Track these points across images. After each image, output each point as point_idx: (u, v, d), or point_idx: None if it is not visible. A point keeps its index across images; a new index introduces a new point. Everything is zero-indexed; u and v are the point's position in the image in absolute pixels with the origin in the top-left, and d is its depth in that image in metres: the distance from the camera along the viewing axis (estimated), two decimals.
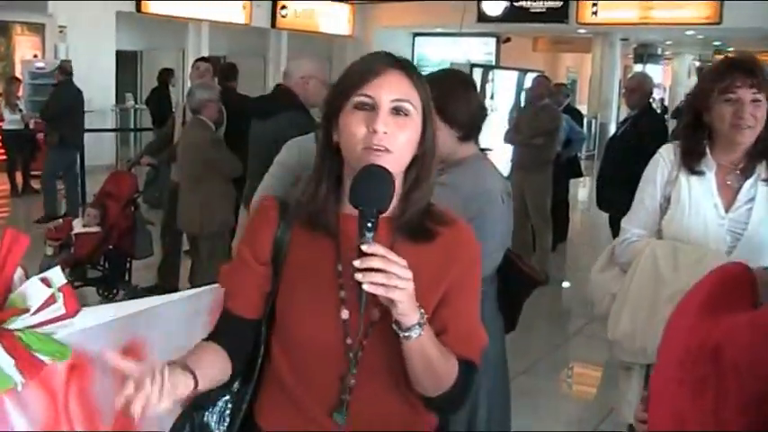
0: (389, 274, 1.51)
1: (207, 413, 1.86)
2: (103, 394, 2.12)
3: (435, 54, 21.48)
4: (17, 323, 1.81)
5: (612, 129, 19.43)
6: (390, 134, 1.64)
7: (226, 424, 1.88)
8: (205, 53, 18.41)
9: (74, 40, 14.69)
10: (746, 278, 2.12)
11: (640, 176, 7.51)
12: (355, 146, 1.66)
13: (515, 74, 15.71)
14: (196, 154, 5.91)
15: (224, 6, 17.85)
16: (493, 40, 21.56)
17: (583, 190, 15.27)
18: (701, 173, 2.77)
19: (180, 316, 2.36)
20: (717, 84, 2.67)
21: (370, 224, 1.55)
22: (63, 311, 1.85)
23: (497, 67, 18.48)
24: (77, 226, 6.75)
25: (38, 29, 15.43)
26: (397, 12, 20.24)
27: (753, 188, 2.75)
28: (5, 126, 12.65)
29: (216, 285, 2.47)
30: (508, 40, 21.76)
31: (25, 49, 15.51)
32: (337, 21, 21.04)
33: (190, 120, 6.24)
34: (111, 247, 6.81)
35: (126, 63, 17.85)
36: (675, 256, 2.70)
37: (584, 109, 17.90)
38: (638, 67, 23.90)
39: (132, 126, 17.07)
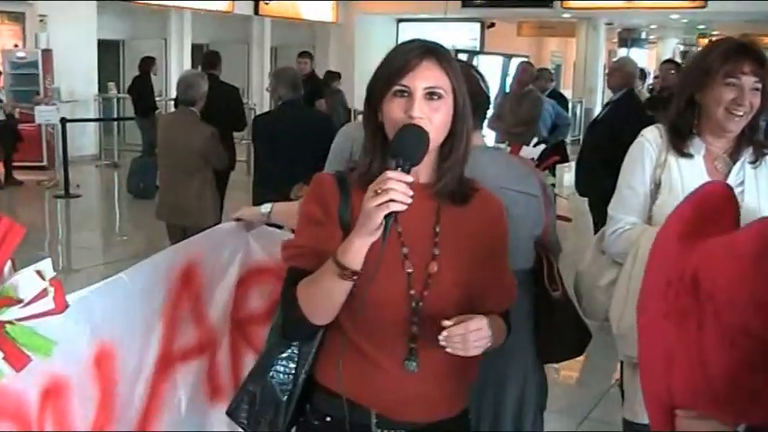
0: (467, 342, 1.83)
1: (270, 377, 2.10)
2: (83, 414, 2.09)
3: None
4: (7, 314, 1.76)
5: (597, 113, 19.49)
6: (425, 118, 1.88)
7: (289, 387, 2.10)
8: (188, 41, 18.36)
9: (55, 29, 14.54)
10: (726, 197, 2.01)
11: (618, 161, 7.47)
12: (395, 128, 1.88)
13: (500, 59, 15.72)
14: (193, 146, 5.82)
15: None
16: (477, 26, 21.52)
17: (568, 175, 15.24)
18: (689, 155, 2.68)
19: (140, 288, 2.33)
20: (722, 65, 2.55)
21: (399, 170, 1.78)
22: (52, 306, 1.80)
23: (482, 52, 18.50)
24: None
25: (18, 18, 15.24)
26: None
27: (741, 171, 2.68)
28: None
29: (172, 248, 2.59)
30: (492, 25, 21.72)
31: (6, 38, 15.28)
32: (321, 7, 20.93)
33: (181, 111, 6.13)
34: None
35: (108, 52, 17.71)
36: None
37: (568, 94, 17.89)
38: (622, 51, 23.92)
39: (115, 115, 16.94)
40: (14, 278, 1.77)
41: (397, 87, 1.90)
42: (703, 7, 17.20)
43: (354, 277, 1.83)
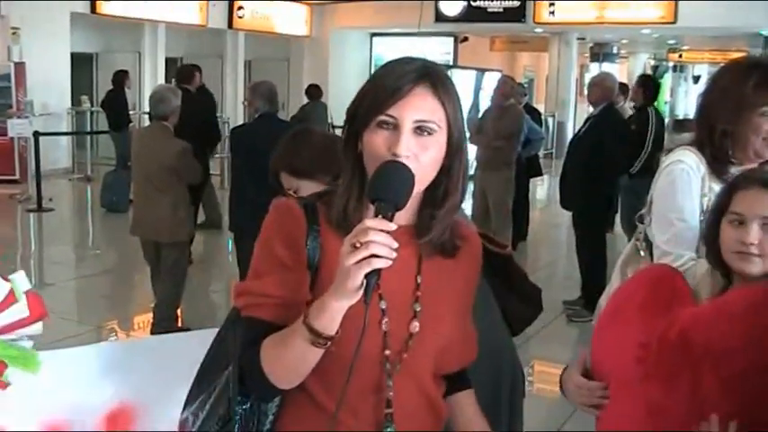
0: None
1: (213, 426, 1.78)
2: None
3: (393, 54, 21.28)
4: None
5: (570, 127, 19.62)
6: (412, 156, 1.61)
7: None
8: (161, 55, 18.29)
9: (27, 41, 14.45)
10: (678, 279, 2.16)
11: (600, 175, 7.50)
12: (376, 165, 1.62)
13: (473, 73, 15.75)
14: (166, 161, 5.81)
15: (180, 7, 17.69)
16: (450, 40, 21.61)
17: (541, 188, 15.37)
18: None
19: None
20: (760, 98, 2.48)
21: (381, 216, 1.52)
22: (27, 314, 1.76)
23: (455, 66, 18.53)
24: None
25: None
26: (355, 12, 20.22)
27: None
28: None
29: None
30: (465, 39, 21.83)
31: None
32: (294, 21, 20.97)
33: (154, 125, 6.13)
34: None
35: (81, 65, 17.63)
36: None
37: (541, 108, 18.04)
38: (594, 66, 24.11)
39: (88, 129, 16.84)
40: None
41: (383, 117, 1.62)
42: (673, 23, 17.39)
43: (328, 344, 1.57)
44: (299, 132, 3.00)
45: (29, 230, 11.07)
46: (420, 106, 1.63)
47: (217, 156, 12.47)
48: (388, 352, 1.69)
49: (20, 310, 1.75)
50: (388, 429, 1.70)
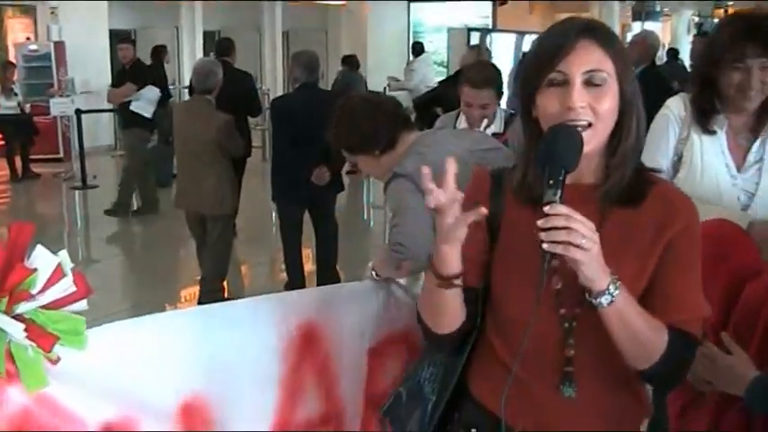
0: (572, 232, 1.49)
1: (422, 376, 2.05)
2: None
3: (431, 19, 21.31)
4: (25, 306, 1.71)
5: None
6: (587, 107, 1.63)
7: (437, 389, 2.02)
8: (199, 29, 18.31)
9: (66, 20, 14.53)
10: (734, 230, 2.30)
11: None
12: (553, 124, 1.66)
13: (513, 37, 15.57)
14: (209, 135, 5.78)
15: None
16: (489, 3, 21.34)
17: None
18: (713, 132, 2.70)
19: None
20: (726, 52, 2.58)
21: (552, 182, 1.55)
22: (74, 289, 1.75)
23: (494, 30, 18.35)
24: None
25: (29, 11, 15.24)
26: None
27: (761, 147, 2.69)
28: (2, 111, 12.49)
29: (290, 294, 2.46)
30: (504, 2, 21.56)
31: (17, 32, 15.29)
32: None
33: (196, 99, 6.11)
34: None
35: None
36: None
37: None
38: (636, 25, 23.73)
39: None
40: (32, 256, 1.73)
41: (551, 75, 1.64)
42: None
43: (457, 281, 1.67)
44: (340, 109, 3.02)
45: (74, 208, 11.17)
46: (587, 59, 1.64)
47: (258, 128, 12.45)
48: (563, 311, 1.71)
49: (68, 284, 1.75)
50: (567, 388, 1.72)
